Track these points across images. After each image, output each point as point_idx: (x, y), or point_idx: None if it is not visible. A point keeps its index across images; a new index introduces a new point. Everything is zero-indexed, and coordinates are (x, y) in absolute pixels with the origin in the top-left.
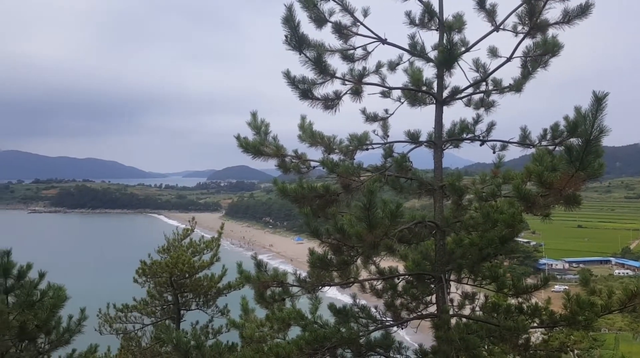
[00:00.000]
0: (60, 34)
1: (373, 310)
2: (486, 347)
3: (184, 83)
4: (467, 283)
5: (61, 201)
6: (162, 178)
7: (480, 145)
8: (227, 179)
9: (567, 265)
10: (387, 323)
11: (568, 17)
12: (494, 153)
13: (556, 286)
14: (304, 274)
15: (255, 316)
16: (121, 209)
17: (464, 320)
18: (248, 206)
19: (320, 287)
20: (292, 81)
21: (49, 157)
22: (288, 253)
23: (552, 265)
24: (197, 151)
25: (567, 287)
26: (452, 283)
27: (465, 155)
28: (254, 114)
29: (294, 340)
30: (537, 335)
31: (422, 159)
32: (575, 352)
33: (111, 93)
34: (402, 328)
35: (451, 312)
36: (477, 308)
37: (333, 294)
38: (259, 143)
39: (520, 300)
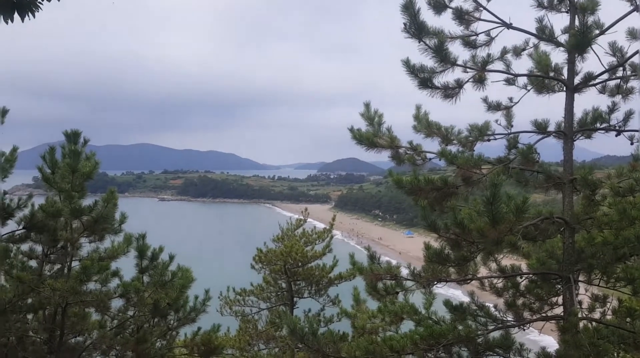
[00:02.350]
0: (188, 35)
1: (492, 308)
2: (617, 355)
3: (300, 77)
4: (597, 285)
5: (186, 191)
6: (275, 170)
7: (616, 136)
8: (336, 171)
9: None
10: (507, 323)
11: None
12: (632, 144)
13: None
14: (418, 268)
15: (367, 307)
16: (238, 199)
17: (593, 323)
18: (357, 199)
19: (435, 282)
20: (411, 70)
21: (175, 149)
22: (397, 246)
23: None
24: (308, 144)
25: None
26: (580, 284)
27: (594, 147)
28: (367, 105)
29: (408, 334)
30: None
31: (547, 151)
32: None
33: (234, 89)
34: (524, 330)
35: (580, 315)
36: (609, 312)
37: (445, 291)
38: (373, 134)
39: None
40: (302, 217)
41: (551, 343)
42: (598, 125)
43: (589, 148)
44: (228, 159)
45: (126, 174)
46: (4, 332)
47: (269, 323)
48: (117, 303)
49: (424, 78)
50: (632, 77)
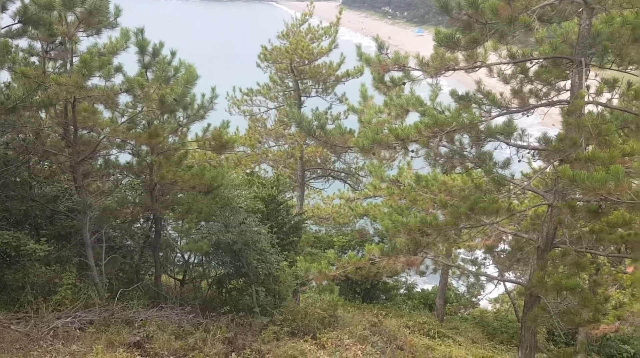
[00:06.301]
0: None
1: (498, 96)
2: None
3: None
4: (609, 69)
5: None
6: None
7: None
8: None
9: None
10: (511, 109)
11: None
12: None
13: None
14: (426, 58)
15: (374, 103)
16: None
17: (599, 108)
18: None
19: (443, 71)
20: None
21: None
22: (406, 46)
23: None
24: None
25: None
26: (591, 69)
27: None
28: None
29: (413, 123)
30: None
31: None
32: None
33: None
34: (528, 116)
35: (586, 99)
36: (616, 97)
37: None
38: None
39: None
40: (307, 11)
41: (553, 131)
42: None
43: None
44: None
45: None
46: (20, 127)
47: (277, 122)
48: (124, 99)
49: None
50: None
